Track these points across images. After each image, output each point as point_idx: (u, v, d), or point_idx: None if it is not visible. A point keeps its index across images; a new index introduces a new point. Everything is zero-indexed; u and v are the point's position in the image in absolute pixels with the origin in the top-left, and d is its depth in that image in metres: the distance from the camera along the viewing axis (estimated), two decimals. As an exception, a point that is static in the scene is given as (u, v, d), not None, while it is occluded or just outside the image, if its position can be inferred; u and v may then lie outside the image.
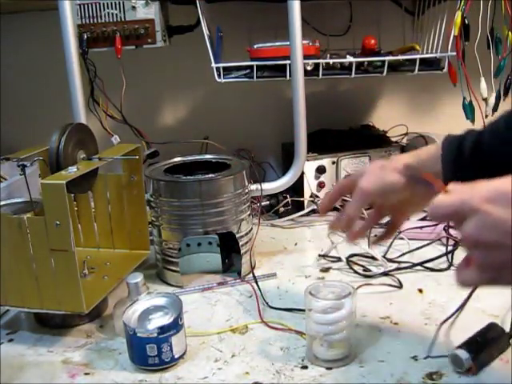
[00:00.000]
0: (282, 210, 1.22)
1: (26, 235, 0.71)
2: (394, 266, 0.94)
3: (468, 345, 0.65)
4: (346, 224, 0.71)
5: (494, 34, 1.08)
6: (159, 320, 0.69)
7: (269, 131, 1.43)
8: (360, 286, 0.86)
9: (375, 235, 1.07)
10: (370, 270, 0.93)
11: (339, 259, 0.97)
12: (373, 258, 0.96)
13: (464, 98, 1.09)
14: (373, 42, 1.13)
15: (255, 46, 1.12)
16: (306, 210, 1.21)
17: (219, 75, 1.10)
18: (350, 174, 0.74)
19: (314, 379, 0.65)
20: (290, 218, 1.20)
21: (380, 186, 0.68)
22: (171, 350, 0.68)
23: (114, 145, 1.11)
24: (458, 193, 0.50)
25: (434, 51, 1.12)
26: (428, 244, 1.01)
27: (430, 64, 1.12)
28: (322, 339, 0.68)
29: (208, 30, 1.10)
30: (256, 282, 0.88)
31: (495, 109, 1.11)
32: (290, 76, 1.07)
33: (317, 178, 1.22)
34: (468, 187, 0.50)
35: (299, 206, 1.22)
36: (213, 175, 0.91)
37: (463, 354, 0.64)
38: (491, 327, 0.69)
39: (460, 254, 0.97)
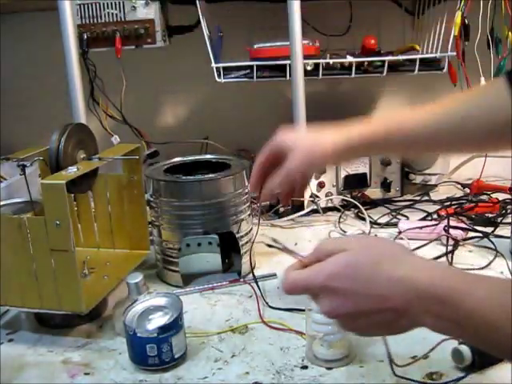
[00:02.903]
0: (281, 210, 1.22)
1: (26, 235, 0.71)
2: (394, 266, 0.94)
3: None
4: (265, 197, 0.76)
5: (493, 34, 1.08)
6: (159, 320, 0.69)
7: (269, 131, 1.42)
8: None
9: (375, 235, 1.08)
10: (369, 270, 0.93)
11: (339, 259, 0.97)
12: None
13: (464, 98, 1.09)
14: (373, 42, 1.13)
15: (255, 46, 1.12)
16: (306, 210, 1.21)
17: (219, 75, 1.10)
18: (274, 143, 0.78)
19: (314, 379, 0.65)
20: (290, 218, 1.20)
21: (307, 168, 0.71)
22: (171, 349, 0.68)
23: (113, 145, 1.11)
24: (307, 270, 0.51)
25: (433, 51, 1.12)
26: (428, 244, 1.01)
27: (429, 64, 1.12)
28: (322, 339, 0.68)
29: (208, 30, 1.10)
30: (256, 282, 0.88)
31: (495, 109, 1.11)
32: (290, 76, 1.07)
33: (317, 177, 1.22)
34: (317, 253, 0.52)
35: (299, 206, 1.22)
36: (213, 175, 0.91)
37: (464, 350, 0.63)
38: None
39: (460, 255, 0.97)
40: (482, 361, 0.63)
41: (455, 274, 0.48)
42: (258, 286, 0.87)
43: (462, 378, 0.63)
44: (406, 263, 0.49)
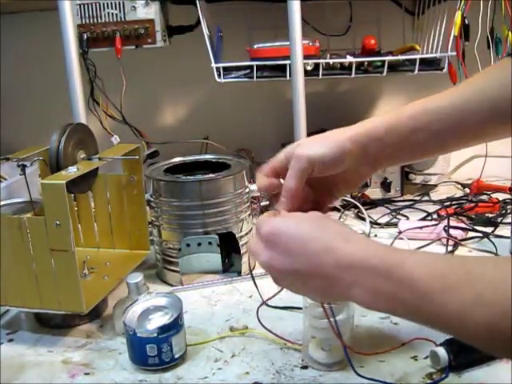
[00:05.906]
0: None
1: (26, 235, 0.71)
2: (394, 266, 0.93)
3: (449, 343, 0.65)
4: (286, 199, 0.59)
5: (493, 34, 1.08)
6: (159, 320, 0.69)
7: (269, 131, 1.43)
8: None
9: (375, 235, 1.08)
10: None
11: (339, 259, 0.96)
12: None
13: (464, 98, 1.09)
14: (373, 42, 1.13)
15: (255, 46, 1.12)
16: (306, 210, 1.20)
17: (219, 75, 1.10)
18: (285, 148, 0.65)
19: (314, 379, 0.65)
20: (289, 217, 1.19)
21: (320, 153, 0.60)
22: (171, 349, 0.68)
23: (113, 145, 1.11)
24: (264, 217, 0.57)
25: (433, 51, 1.12)
26: (428, 244, 1.01)
27: (429, 64, 1.12)
28: (320, 343, 0.68)
29: (208, 30, 1.10)
30: (254, 282, 0.88)
31: (495, 109, 1.11)
32: (289, 76, 1.07)
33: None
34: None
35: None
36: (213, 175, 0.91)
37: (441, 352, 0.64)
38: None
39: (460, 255, 0.97)
40: (458, 362, 0.64)
41: (388, 249, 0.50)
42: (256, 287, 0.87)
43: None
44: (341, 236, 0.51)
